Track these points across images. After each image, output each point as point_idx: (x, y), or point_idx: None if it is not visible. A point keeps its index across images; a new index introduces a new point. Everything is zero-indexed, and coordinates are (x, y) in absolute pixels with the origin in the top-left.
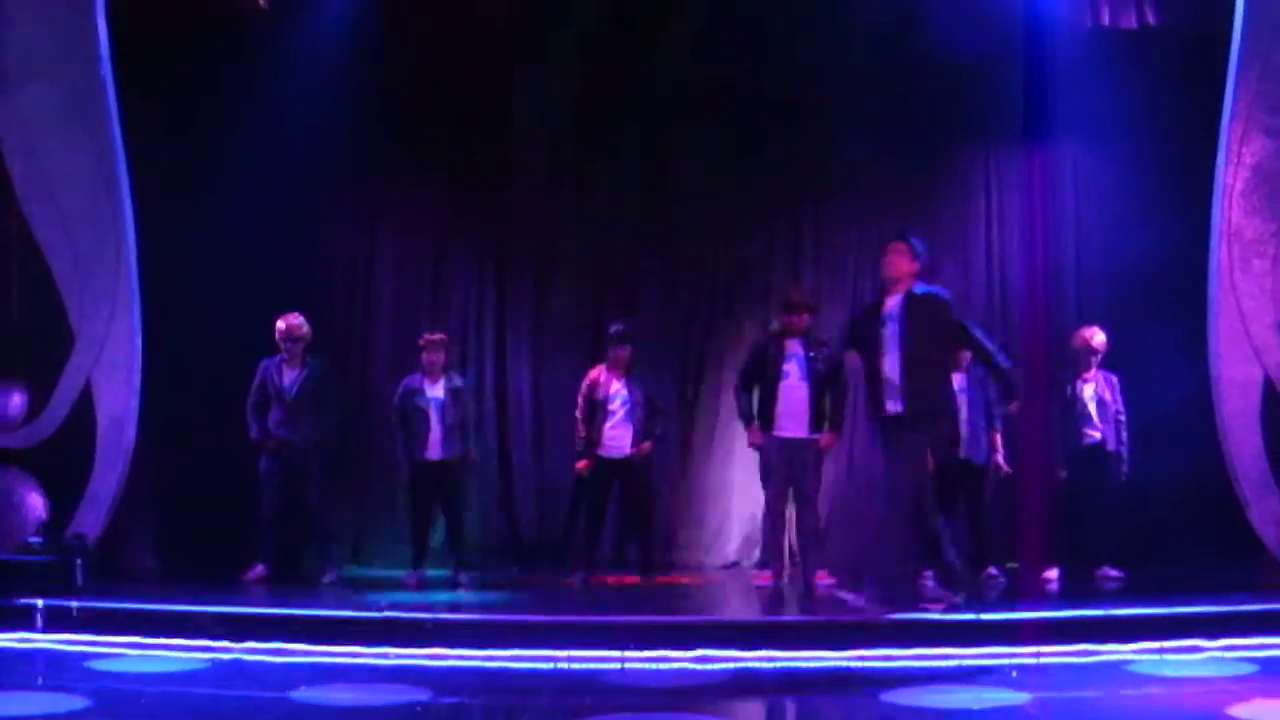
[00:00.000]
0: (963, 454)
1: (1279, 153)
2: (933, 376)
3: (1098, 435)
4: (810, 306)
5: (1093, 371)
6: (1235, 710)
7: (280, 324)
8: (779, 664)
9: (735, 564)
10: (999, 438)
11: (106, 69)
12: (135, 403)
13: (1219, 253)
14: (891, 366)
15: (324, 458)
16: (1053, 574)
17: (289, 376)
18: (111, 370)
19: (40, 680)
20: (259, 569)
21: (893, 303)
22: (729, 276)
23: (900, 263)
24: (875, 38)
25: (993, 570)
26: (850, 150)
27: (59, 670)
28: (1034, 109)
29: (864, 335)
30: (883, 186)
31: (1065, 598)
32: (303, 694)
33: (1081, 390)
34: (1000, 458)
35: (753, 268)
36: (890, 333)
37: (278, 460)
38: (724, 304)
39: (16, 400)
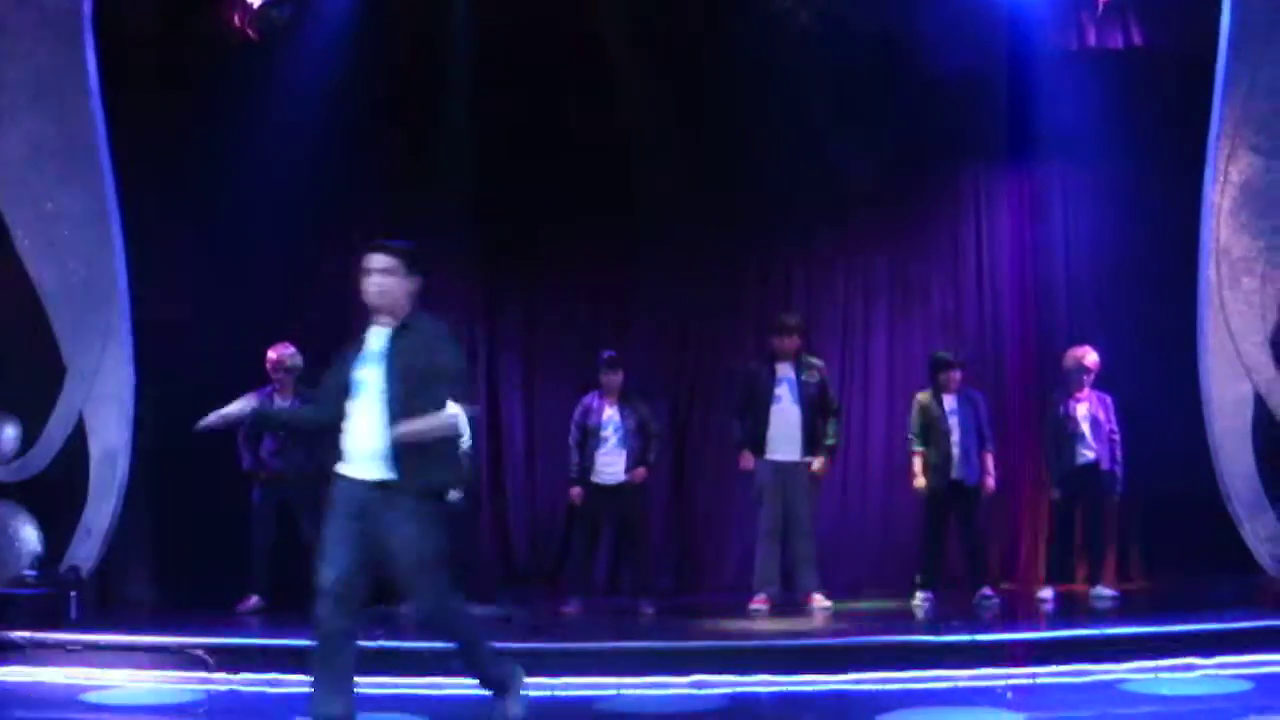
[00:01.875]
0: (955, 475)
1: (1266, 170)
2: None
3: (1091, 455)
4: (801, 329)
5: (1085, 391)
6: None
7: (271, 354)
8: (775, 688)
9: (730, 588)
10: (990, 458)
11: (96, 103)
12: (129, 435)
13: (1207, 271)
14: None
15: (318, 488)
16: (1047, 594)
17: (280, 407)
18: (104, 402)
19: (37, 714)
20: (253, 600)
21: None
22: (720, 302)
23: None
24: (863, 59)
25: (987, 591)
26: (839, 173)
27: (52, 704)
28: (1021, 129)
29: None
30: (872, 208)
31: (1059, 617)
32: None
33: (1075, 410)
34: (990, 479)
35: (744, 292)
36: None
37: (271, 491)
38: (715, 329)
39: (9, 433)
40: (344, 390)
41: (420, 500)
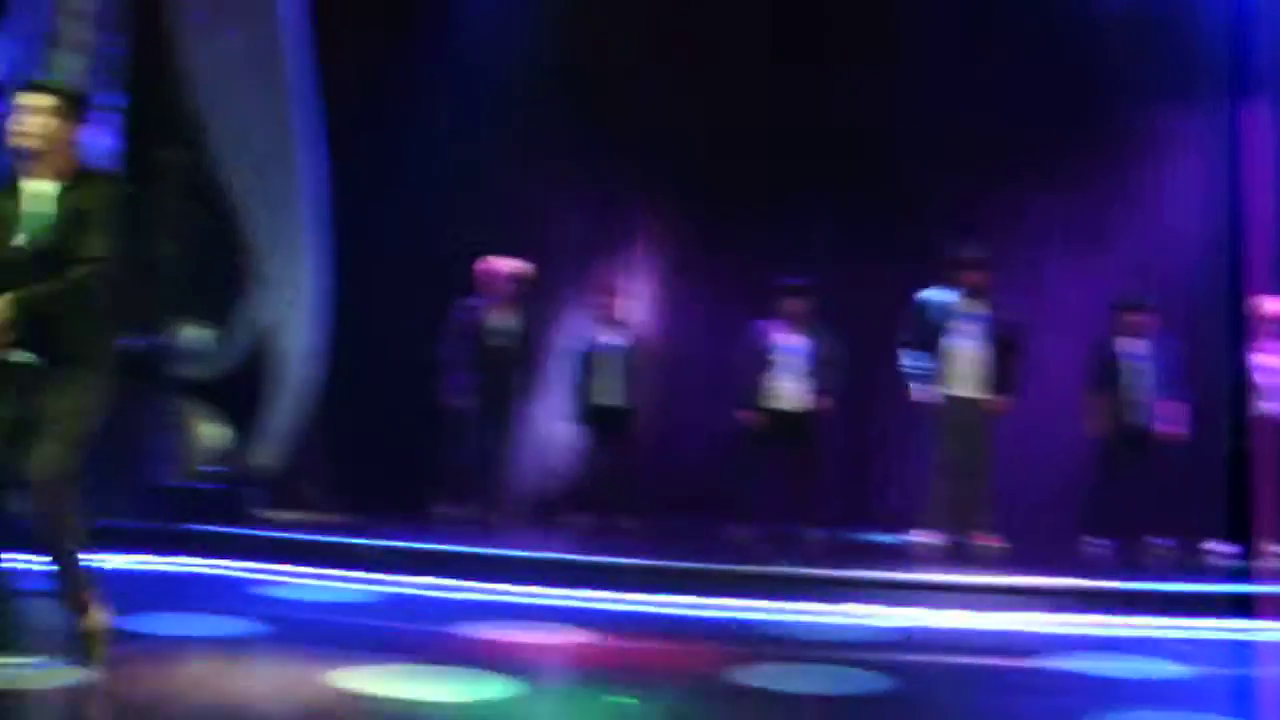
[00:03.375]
0: (1134, 421)
1: None
2: None
3: (1270, 406)
4: (985, 264)
5: (1269, 342)
6: None
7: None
8: (940, 625)
9: (899, 521)
10: (1172, 405)
11: (294, 17)
12: (316, 340)
13: None
14: None
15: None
16: (1223, 547)
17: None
18: (294, 308)
19: (213, 604)
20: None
21: None
22: (906, 236)
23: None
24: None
25: (1161, 540)
26: (1026, 112)
27: (231, 595)
28: (1216, 66)
29: None
30: (1057, 150)
31: (1236, 572)
32: (467, 630)
33: (1256, 360)
34: (1171, 426)
35: (931, 228)
36: None
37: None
38: (899, 260)
39: (200, 334)
40: None
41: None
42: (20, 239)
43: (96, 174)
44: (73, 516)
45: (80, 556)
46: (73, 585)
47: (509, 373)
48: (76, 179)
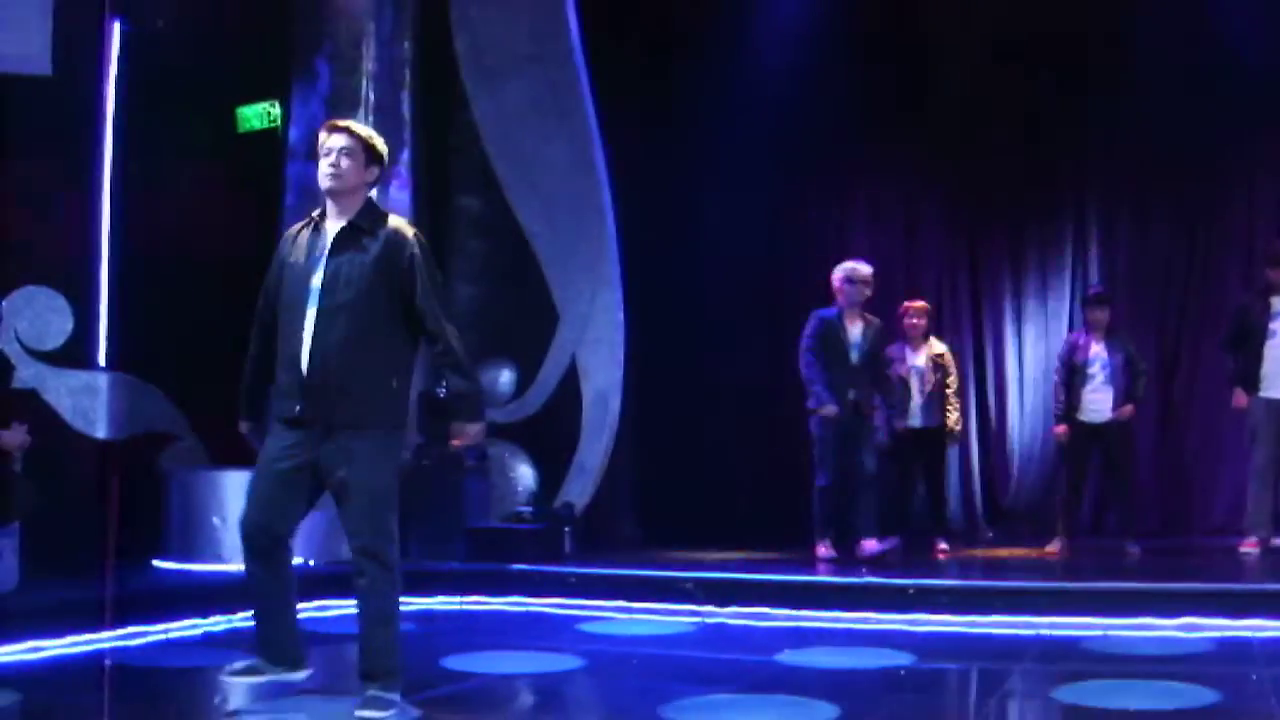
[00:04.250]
0: None
1: None
2: None
3: None
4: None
5: None
6: None
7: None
8: (1268, 634)
9: (1221, 529)
10: None
11: (580, 60)
12: (619, 376)
13: None
14: None
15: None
16: None
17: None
18: (596, 346)
19: (535, 641)
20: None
21: None
22: (1208, 234)
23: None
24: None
25: None
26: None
27: (552, 632)
28: None
29: None
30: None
31: None
32: (787, 657)
33: None
34: None
35: (1233, 224)
36: None
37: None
38: (1203, 259)
39: (506, 377)
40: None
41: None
42: (316, 280)
43: (391, 218)
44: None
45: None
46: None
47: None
48: (371, 222)
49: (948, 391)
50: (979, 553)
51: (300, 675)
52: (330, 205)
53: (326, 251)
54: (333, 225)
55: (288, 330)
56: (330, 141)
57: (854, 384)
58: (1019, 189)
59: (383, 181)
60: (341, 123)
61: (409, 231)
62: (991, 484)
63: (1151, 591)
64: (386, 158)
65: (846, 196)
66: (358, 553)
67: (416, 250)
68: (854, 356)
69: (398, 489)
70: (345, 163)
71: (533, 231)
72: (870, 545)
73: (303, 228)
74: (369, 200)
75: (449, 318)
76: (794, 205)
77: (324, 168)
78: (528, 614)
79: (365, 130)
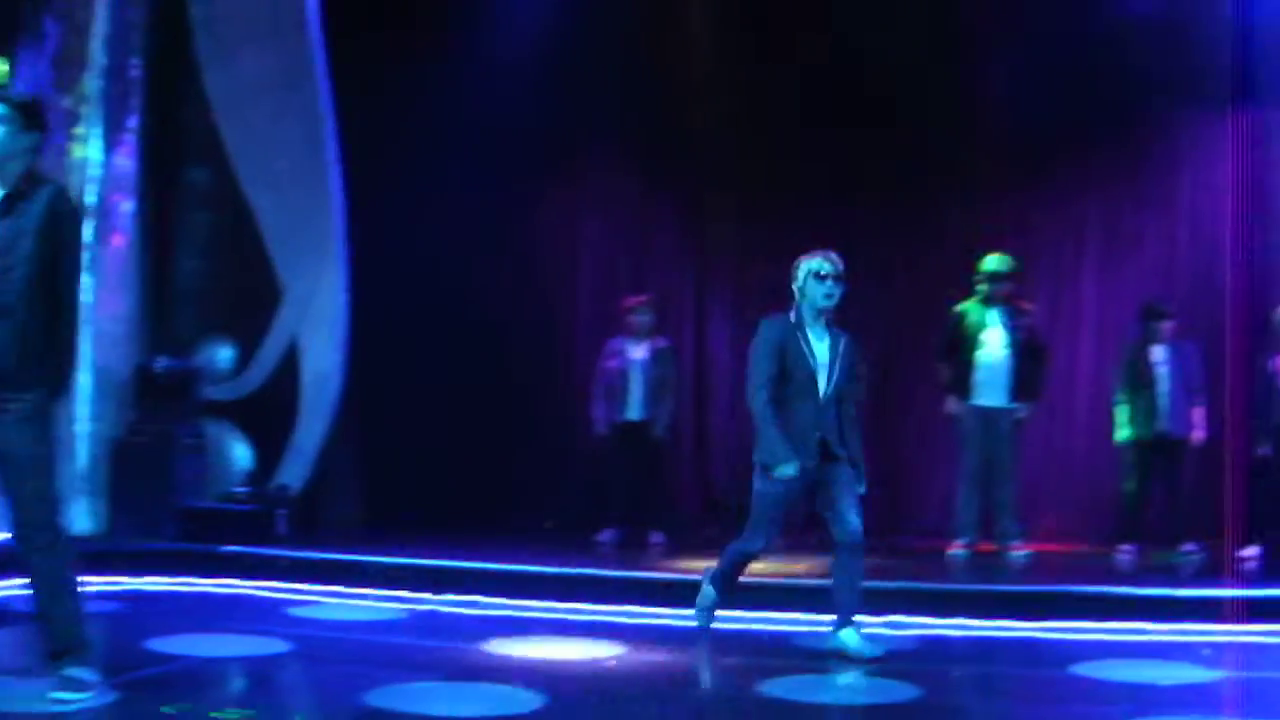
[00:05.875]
0: (1161, 427)
1: None
2: None
3: None
4: (1011, 274)
5: None
6: None
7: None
8: (969, 632)
9: (931, 532)
10: (1198, 412)
11: (316, 35)
12: (340, 358)
13: None
14: None
15: None
16: (1251, 551)
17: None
18: (318, 326)
19: (244, 624)
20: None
21: None
22: (929, 244)
23: None
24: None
25: (1189, 546)
26: (1052, 115)
27: (261, 615)
28: (1245, 74)
29: None
30: (1085, 153)
31: (1261, 576)
32: (497, 645)
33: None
34: (1198, 432)
35: (954, 236)
36: None
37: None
38: (923, 271)
39: (225, 354)
40: None
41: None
42: None
43: (49, 184)
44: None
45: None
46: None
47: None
48: (31, 189)
49: (665, 386)
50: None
51: None
52: None
53: None
54: None
55: None
56: None
57: None
58: (750, 189)
59: (112, 147)
60: None
61: (67, 199)
62: (706, 479)
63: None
64: (46, 123)
65: (580, 185)
66: (22, 525)
67: (72, 218)
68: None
69: (55, 455)
70: (1, 130)
71: (260, 208)
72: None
73: None
74: (29, 168)
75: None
76: (527, 192)
77: None
78: (238, 596)
79: (20, 96)
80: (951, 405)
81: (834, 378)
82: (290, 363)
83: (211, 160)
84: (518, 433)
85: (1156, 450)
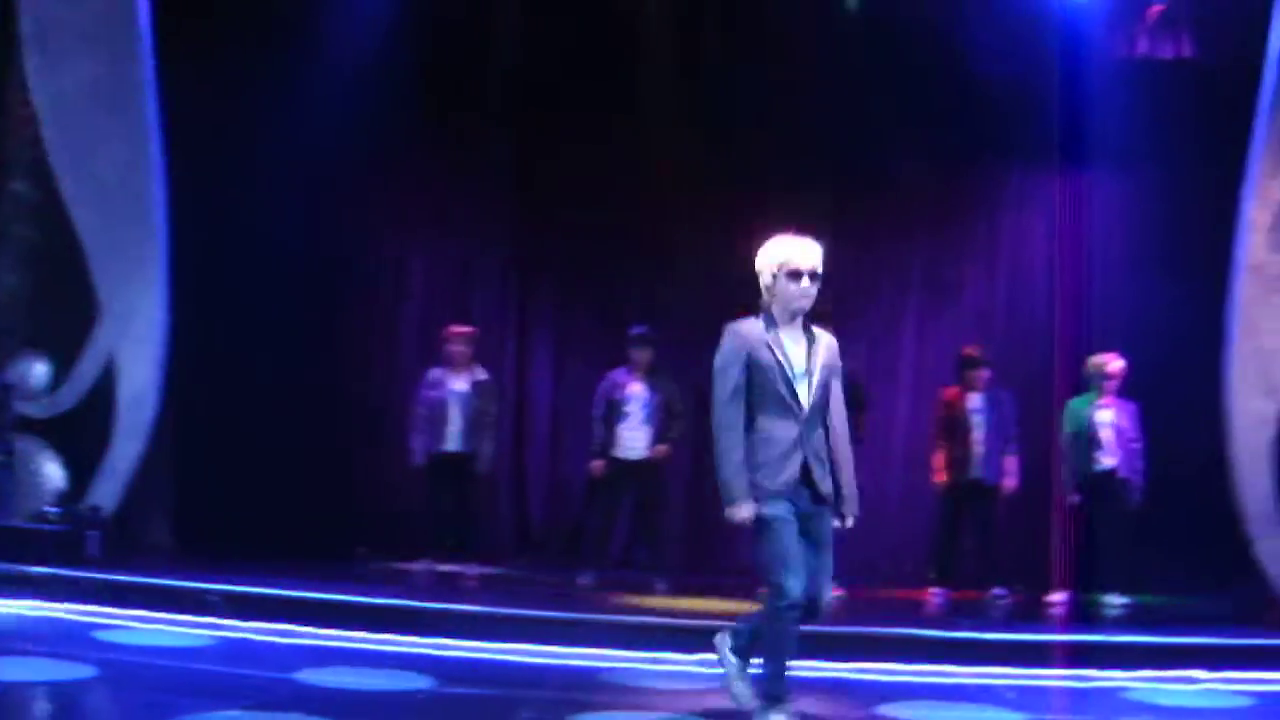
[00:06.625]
0: (975, 474)
1: None
2: None
3: (1110, 461)
4: (827, 316)
5: (1109, 398)
6: None
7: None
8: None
9: (744, 571)
10: (1012, 460)
11: (145, 46)
12: (158, 378)
13: (1240, 287)
14: None
15: None
16: (1059, 597)
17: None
18: (136, 344)
19: (49, 647)
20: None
21: None
22: (750, 287)
23: None
24: (907, 55)
25: (998, 590)
26: (880, 163)
27: (67, 639)
28: (1064, 133)
29: None
30: (907, 203)
31: (1068, 622)
32: (306, 675)
33: (1096, 415)
34: (1010, 480)
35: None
36: None
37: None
38: (748, 311)
39: (40, 370)
40: None
41: None
42: None
43: None
44: None
45: None
46: None
47: None
48: None
49: (486, 419)
50: (506, 580)
51: None
52: None
53: None
54: None
55: None
56: None
57: None
58: (572, 224)
59: None
60: None
61: None
62: (523, 512)
63: (671, 627)
64: None
65: (406, 221)
66: None
67: None
68: None
69: None
70: None
71: (82, 223)
72: None
73: None
74: None
75: None
76: (354, 220)
77: None
78: (44, 619)
79: None
80: None
81: (816, 388)
82: (107, 381)
83: (35, 174)
84: (335, 459)
85: (970, 496)
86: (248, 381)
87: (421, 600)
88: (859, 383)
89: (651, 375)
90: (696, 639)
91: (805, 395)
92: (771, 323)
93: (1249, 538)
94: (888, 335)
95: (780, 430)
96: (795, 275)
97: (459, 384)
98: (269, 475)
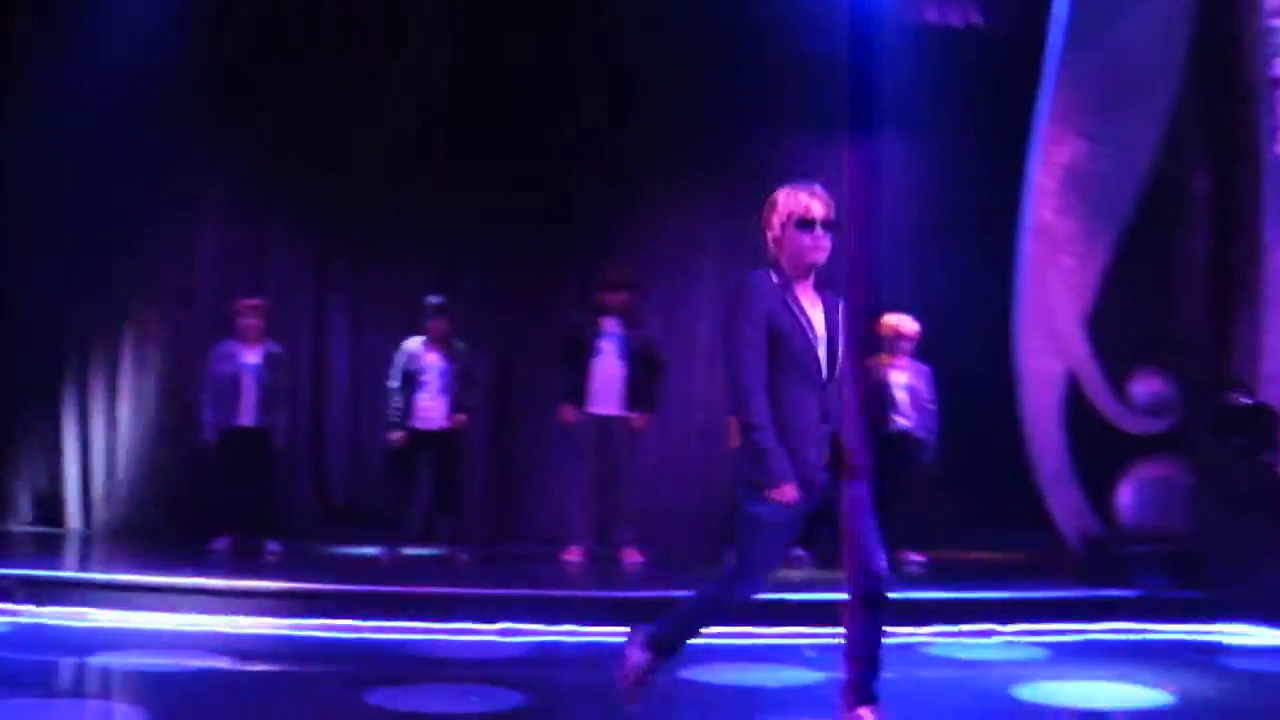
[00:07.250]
0: None
1: (1092, 156)
2: None
3: (905, 422)
4: (629, 285)
5: (903, 359)
6: (1020, 691)
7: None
8: (581, 639)
9: (546, 539)
10: None
11: None
12: None
13: (1027, 248)
14: None
15: None
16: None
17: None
18: None
19: None
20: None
21: None
22: (549, 254)
23: None
24: (695, 21)
25: (798, 552)
26: (676, 140)
27: None
28: (855, 100)
29: None
30: (702, 171)
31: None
32: (102, 659)
33: (890, 377)
34: None
35: (572, 246)
36: None
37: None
38: (543, 281)
39: None
40: None
41: None
42: None
43: None
44: None
45: None
46: None
47: None
48: None
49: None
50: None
51: None
52: None
53: None
54: None
55: None
56: None
57: None
58: (367, 190)
59: None
60: None
61: None
62: (323, 486)
63: (472, 597)
64: None
65: (200, 192)
66: None
67: None
68: None
69: None
70: None
71: None
72: None
73: None
74: None
75: None
76: (143, 186)
77: None
78: None
79: None
80: (567, 412)
81: (835, 354)
82: None
83: None
84: (128, 436)
85: None
86: (40, 353)
87: (220, 578)
88: (654, 348)
89: (447, 344)
90: (494, 608)
91: (825, 362)
92: (785, 279)
93: (1041, 494)
94: (684, 300)
95: (802, 404)
96: (806, 224)
97: (251, 356)
98: (61, 454)
